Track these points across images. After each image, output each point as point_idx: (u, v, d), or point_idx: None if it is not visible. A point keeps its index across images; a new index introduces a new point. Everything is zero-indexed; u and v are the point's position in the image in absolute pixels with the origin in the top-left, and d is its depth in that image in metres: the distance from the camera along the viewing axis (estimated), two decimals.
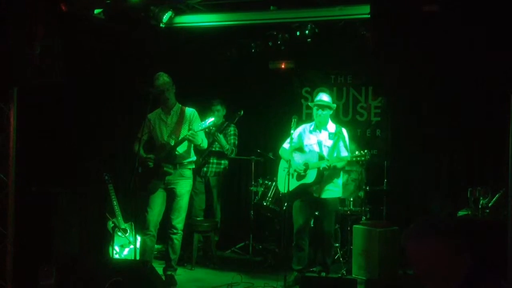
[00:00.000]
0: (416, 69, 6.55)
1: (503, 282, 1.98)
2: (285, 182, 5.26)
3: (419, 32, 4.50)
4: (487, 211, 4.97)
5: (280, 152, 5.71)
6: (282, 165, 5.71)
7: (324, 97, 5.56)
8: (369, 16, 5.15)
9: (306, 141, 5.57)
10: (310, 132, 5.59)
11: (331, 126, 5.57)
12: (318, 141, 5.51)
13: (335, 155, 5.41)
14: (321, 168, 5.30)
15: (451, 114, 6.55)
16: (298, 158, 5.51)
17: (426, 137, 6.78)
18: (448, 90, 6.46)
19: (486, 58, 4.20)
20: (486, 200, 4.98)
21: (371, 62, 6.79)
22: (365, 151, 5.27)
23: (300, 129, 5.67)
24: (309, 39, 6.51)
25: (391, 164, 6.59)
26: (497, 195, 4.98)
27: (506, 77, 3.89)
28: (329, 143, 5.48)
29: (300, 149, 5.57)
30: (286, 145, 5.63)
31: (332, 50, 7.07)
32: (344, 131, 5.56)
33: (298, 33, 6.49)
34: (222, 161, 6.79)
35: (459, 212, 5.33)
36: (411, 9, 4.43)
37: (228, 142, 6.67)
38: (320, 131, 5.55)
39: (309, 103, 5.73)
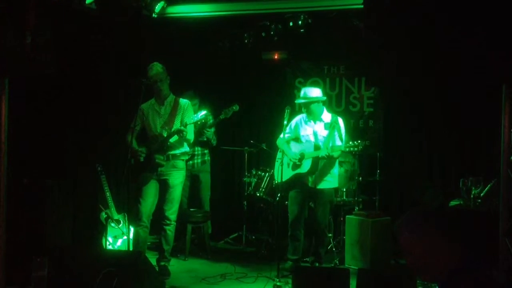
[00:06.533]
0: (409, 59, 6.55)
1: (494, 271, 2.00)
2: (278, 172, 5.27)
3: (412, 21, 4.50)
4: (479, 201, 5.01)
5: (278, 142, 5.72)
6: (278, 155, 5.72)
7: (310, 92, 5.50)
8: (362, 6, 5.14)
9: (302, 132, 5.57)
10: (306, 122, 5.59)
11: (327, 116, 5.55)
12: (314, 132, 5.52)
13: (330, 145, 5.41)
14: (320, 156, 5.31)
15: (444, 105, 6.57)
16: (294, 148, 5.52)
17: (418, 127, 6.80)
18: (441, 80, 6.47)
19: (481, 49, 4.22)
20: (478, 190, 5.02)
21: (364, 52, 6.78)
22: (359, 141, 5.24)
23: (297, 119, 5.68)
24: (302, 30, 6.48)
25: (384, 155, 6.61)
26: (489, 185, 5.02)
27: (500, 68, 3.90)
28: (325, 133, 5.48)
29: (296, 139, 5.58)
30: (283, 135, 5.63)
31: (325, 40, 7.05)
32: (340, 120, 5.56)
33: (291, 24, 6.46)
34: (206, 151, 6.76)
35: (451, 202, 5.37)
36: None
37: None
38: (315, 122, 5.54)
39: (296, 101, 5.61)
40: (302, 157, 5.41)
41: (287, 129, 5.60)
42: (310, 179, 5.47)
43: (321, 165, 5.44)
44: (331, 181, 5.54)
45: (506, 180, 4.07)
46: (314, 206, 5.66)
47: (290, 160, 5.44)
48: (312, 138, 5.50)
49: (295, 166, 5.47)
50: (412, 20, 4.60)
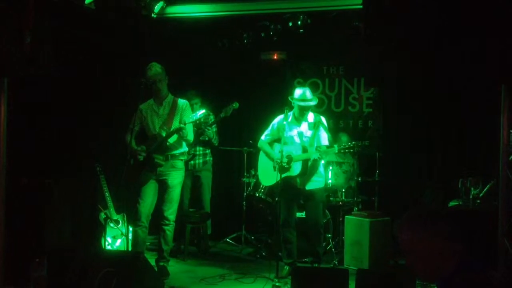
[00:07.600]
0: (409, 60, 6.55)
1: (493, 271, 2.00)
2: (277, 173, 5.21)
3: (412, 22, 4.51)
4: (478, 201, 5.02)
5: (259, 144, 5.66)
6: (262, 157, 5.67)
7: (307, 94, 5.45)
8: (362, 6, 5.14)
9: (286, 133, 5.42)
10: (289, 124, 5.47)
11: (310, 116, 5.49)
12: (298, 132, 5.44)
13: (315, 144, 5.35)
14: (311, 159, 5.23)
15: (443, 105, 6.57)
16: (279, 150, 5.41)
17: (418, 128, 6.79)
18: (441, 80, 6.47)
19: (481, 49, 4.24)
20: (477, 190, 5.03)
21: (363, 52, 6.78)
22: (353, 142, 5.20)
23: (278, 119, 5.55)
24: (301, 30, 6.48)
25: (383, 155, 6.61)
26: (488, 186, 5.03)
27: (499, 68, 3.91)
28: (309, 133, 5.42)
29: (279, 140, 5.43)
30: (264, 137, 5.61)
31: (325, 40, 7.06)
32: (323, 119, 5.51)
33: (290, 24, 6.46)
34: (207, 151, 6.76)
35: (451, 202, 5.37)
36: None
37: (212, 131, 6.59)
38: (300, 123, 5.48)
39: (290, 99, 5.47)
40: (290, 160, 5.31)
41: (268, 131, 5.56)
42: (298, 180, 5.40)
43: (309, 166, 5.36)
44: (319, 180, 5.48)
45: (505, 180, 4.08)
46: (306, 207, 5.61)
47: (277, 163, 5.24)
48: (297, 139, 5.41)
49: (283, 169, 5.30)
50: (412, 20, 4.61)
